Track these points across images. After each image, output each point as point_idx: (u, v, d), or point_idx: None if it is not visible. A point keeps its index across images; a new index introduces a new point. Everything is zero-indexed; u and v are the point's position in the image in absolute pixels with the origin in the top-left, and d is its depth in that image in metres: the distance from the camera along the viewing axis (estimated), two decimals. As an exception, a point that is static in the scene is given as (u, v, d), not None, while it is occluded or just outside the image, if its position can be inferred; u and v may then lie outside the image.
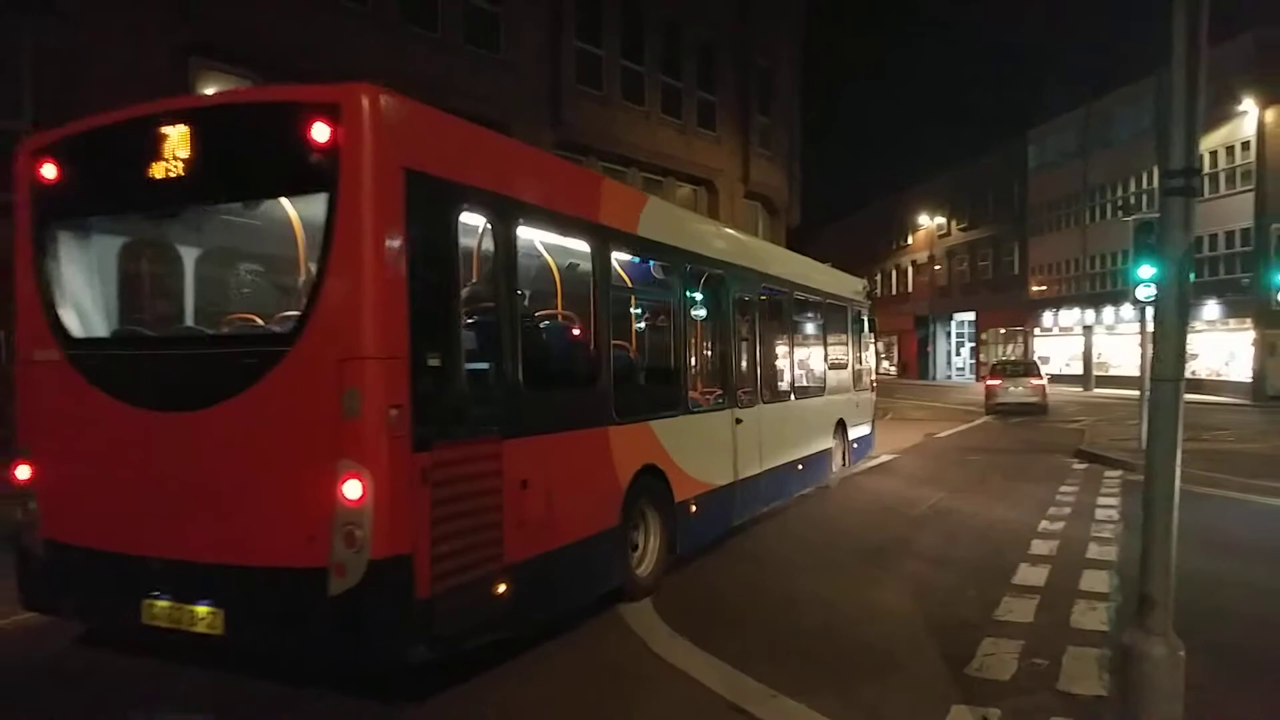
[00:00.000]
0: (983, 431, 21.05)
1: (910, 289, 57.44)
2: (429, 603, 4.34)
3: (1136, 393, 17.09)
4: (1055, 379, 41.31)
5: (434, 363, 4.49)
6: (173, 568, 4.58)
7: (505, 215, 5.20)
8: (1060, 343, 43.19)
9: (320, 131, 4.24)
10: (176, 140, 4.64)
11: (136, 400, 4.76)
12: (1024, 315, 45.11)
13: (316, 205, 4.37)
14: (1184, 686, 3.34)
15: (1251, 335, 30.75)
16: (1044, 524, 8.97)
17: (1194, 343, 34.35)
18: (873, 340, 14.78)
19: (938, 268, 53.90)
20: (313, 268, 4.81)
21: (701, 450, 7.74)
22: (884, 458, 14.67)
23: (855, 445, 13.14)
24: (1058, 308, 42.55)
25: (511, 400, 5.13)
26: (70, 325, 5.10)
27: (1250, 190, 31.01)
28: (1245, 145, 31.43)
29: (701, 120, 22.69)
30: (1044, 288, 43.80)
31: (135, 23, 11.82)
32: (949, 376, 53.39)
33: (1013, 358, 40.97)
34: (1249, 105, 30.77)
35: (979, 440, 18.91)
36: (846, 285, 13.51)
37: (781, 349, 10.36)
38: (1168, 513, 3.30)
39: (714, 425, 8.14)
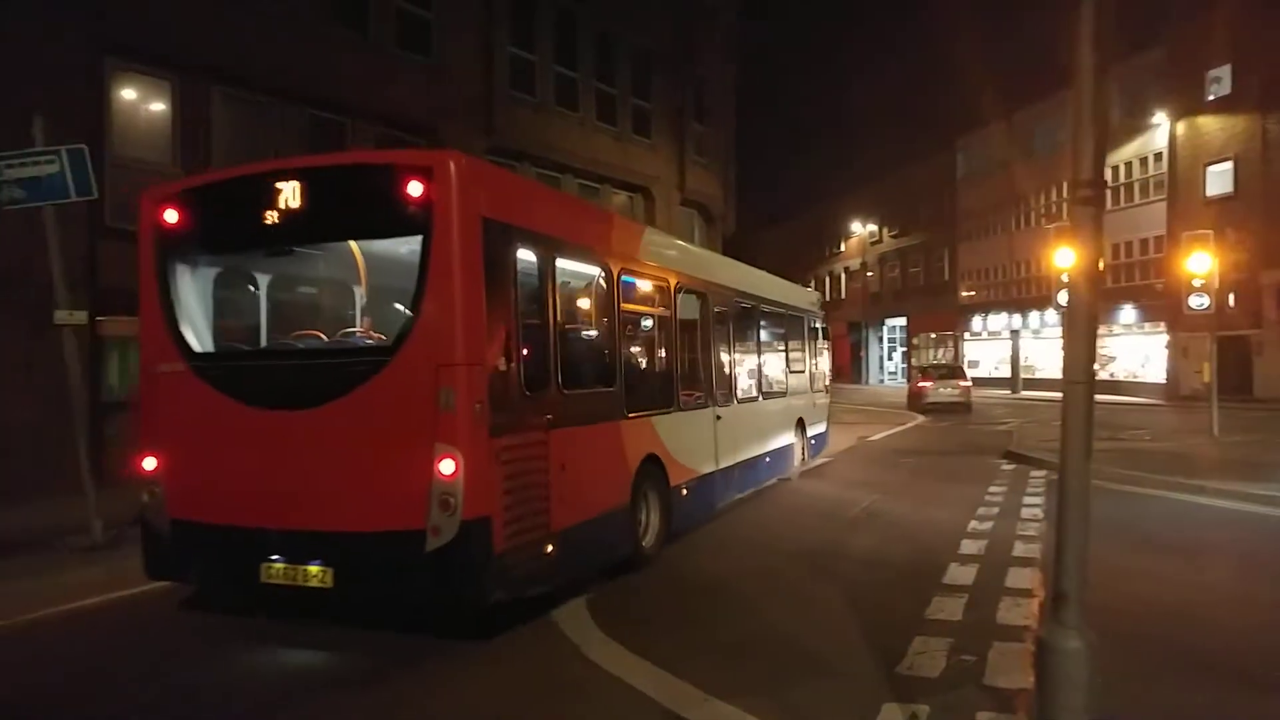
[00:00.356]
0: (915, 434, 21.52)
1: (844, 295, 58.47)
2: (502, 556, 5.44)
3: (1061, 395, 17.67)
4: (985, 382, 42.51)
5: (502, 368, 5.64)
6: (287, 535, 5.61)
7: (549, 250, 6.39)
8: (989, 346, 44.40)
9: (416, 188, 5.32)
10: (291, 193, 5.72)
11: (255, 401, 5.78)
12: (954, 320, 46.24)
13: (411, 245, 5.49)
14: (1097, 678, 3.45)
15: (1165, 338, 32.04)
16: (973, 524, 9.19)
17: (1112, 346, 35.75)
18: (826, 347, 15.97)
19: (870, 274, 54.95)
20: (359, 293, 6.96)
21: (690, 443, 8.93)
22: (819, 460, 14.89)
23: (813, 441, 14.32)
24: (986, 312, 43.72)
25: (553, 398, 6.29)
26: (191, 342, 6.12)
27: (1163, 199, 32.37)
28: (1158, 156, 32.80)
29: (637, 128, 22.76)
30: (973, 293, 44.99)
31: (50, 21, 11.40)
32: (881, 380, 54.45)
33: (942, 362, 42.08)
34: (1161, 118, 32.13)
35: (911, 443, 19.31)
36: (804, 297, 14.81)
37: (751, 355, 11.52)
38: (1081, 510, 3.41)
39: (699, 421, 9.35)
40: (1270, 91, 27.80)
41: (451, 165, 5.38)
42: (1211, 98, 30.49)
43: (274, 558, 5.63)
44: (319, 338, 6.56)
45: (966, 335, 45.86)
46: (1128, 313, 33.99)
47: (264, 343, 6.91)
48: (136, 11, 12.30)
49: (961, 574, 7.08)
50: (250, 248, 6.51)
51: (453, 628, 5.92)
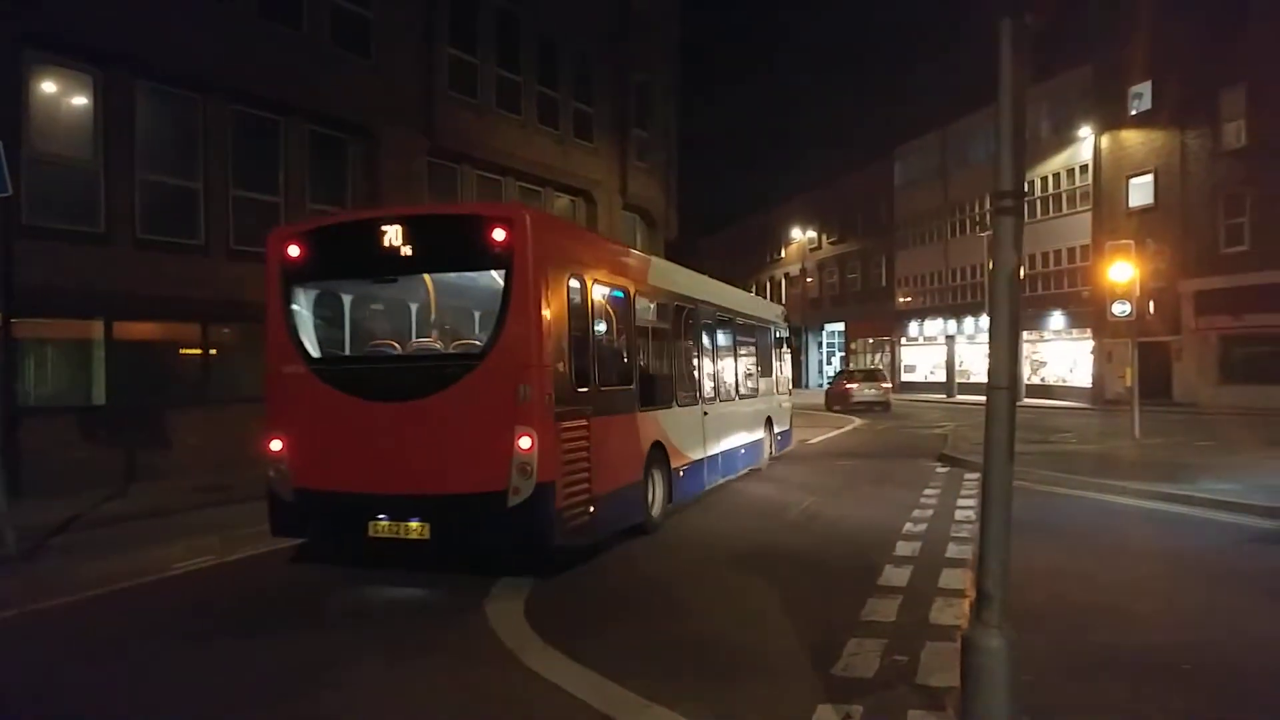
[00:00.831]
0: (852, 437, 21.86)
1: (784, 300, 59.15)
2: (562, 511, 7.05)
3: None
4: (921, 386, 43.48)
5: (561, 369, 7.28)
6: (392, 499, 7.09)
7: (590, 278, 8.07)
8: (925, 351, 45.36)
9: (499, 234, 6.96)
10: (394, 234, 7.32)
11: (364, 395, 7.33)
12: (891, 325, 47.16)
13: (495, 279, 7.27)
14: (1022, 674, 3.53)
15: (1091, 344, 33.13)
16: (908, 526, 9.33)
17: (1043, 351, 36.83)
18: (790, 354, 17.70)
19: (809, 280, 55.74)
20: (415, 309, 9.06)
21: (685, 434, 10.57)
22: (759, 464, 15.00)
23: (779, 437, 16.02)
24: (923, 318, 44.65)
25: (594, 393, 7.87)
26: (309, 349, 7.68)
27: (1088, 210, 33.49)
28: (1084, 168, 33.93)
29: (579, 131, 22.71)
30: (909, 299, 45.91)
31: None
32: (821, 385, 55.18)
33: (865, 367, 42.84)
34: (1087, 132, 33.25)
35: (849, 446, 19.62)
36: (771, 310, 16.93)
37: (729, 360, 13.13)
38: (1003, 513, 3.48)
39: (691, 417, 10.95)
40: (1187, 108, 28.98)
41: (527, 217, 7.09)
42: (1134, 113, 31.65)
43: (380, 516, 7.10)
44: (393, 346, 8.12)
45: (903, 340, 46.78)
46: (1057, 319, 35.06)
47: (347, 350, 8.33)
48: (56, 1, 11.86)
49: (896, 575, 7.18)
50: (360, 277, 8.04)
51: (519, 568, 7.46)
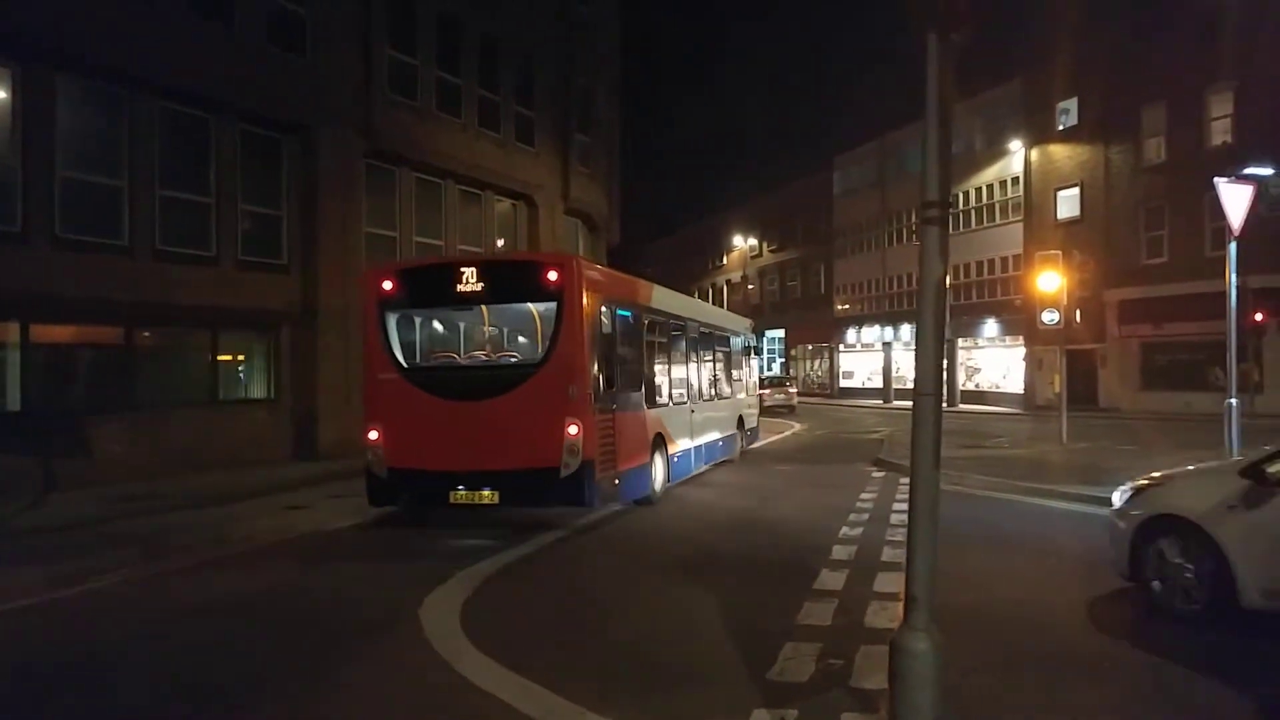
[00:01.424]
0: (791, 443, 22.11)
1: (725, 307, 59.66)
2: (598, 482, 9.41)
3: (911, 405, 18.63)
4: (858, 392, 44.24)
5: (598, 374, 9.61)
6: (468, 474, 9.31)
7: (614, 305, 10.35)
8: (863, 358, 46.11)
9: (553, 275, 9.38)
10: (471, 275, 9.76)
11: (446, 395, 9.58)
12: (830, 332, 47.83)
13: (547, 308, 9.66)
14: (953, 676, 3.58)
15: (1023, 351, 34.08)
16: (844, 530, 9.44)
17: (977, 358, 37.76)
18: (756, 361, 20.31)
19: (751, 287, 56.26)
20: (463, 328, 11.53)
21: (679, 427, 12.90)
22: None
23: (749, 433, 18.39)
24: (860, 325, 45.39)
25: (616, 393, 10.15)
26: (401, 360, 9.92)
27: (1020, 221, 34.49)
28: (1015, 180, 34.94)
29: (520, 135, 22.54)
30: (848, 306, 46.67)
31: None
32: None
33: (774, 374, 44.73)
34: (1017, 145, 34.25)
35: (787, 451, 19.84)
36: (741, 323, 19.31)
37: (709, 367, 15.39)
38: (930, 519, 3.53)
39: (683, 414, 13.31)
40: (1111, 123, 30.05)
41: (575, 263, 9.61)
42: (1061, 127, 32.69)
43: (459, 488, 9.30)
44: (454, 357, 10.56)
45: (841, 347, 47.49)
46: (991, 326, 35.97)
47: (418, 360, 10.34)
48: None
49: (832, 579, 7.25)
50: (443, 306, 10.47)
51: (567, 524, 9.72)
